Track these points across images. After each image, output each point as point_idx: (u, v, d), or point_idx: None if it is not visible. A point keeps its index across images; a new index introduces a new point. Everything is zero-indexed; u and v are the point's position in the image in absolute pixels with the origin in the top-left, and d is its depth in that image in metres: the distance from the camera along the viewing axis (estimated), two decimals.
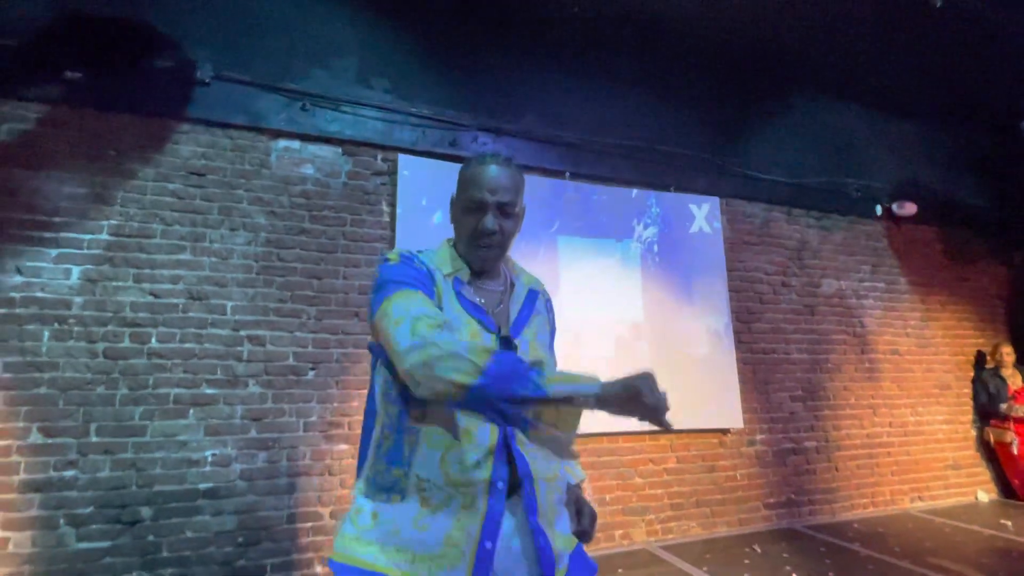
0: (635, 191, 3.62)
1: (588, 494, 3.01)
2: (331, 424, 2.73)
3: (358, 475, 1.01)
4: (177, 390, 2.52)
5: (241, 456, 2.56)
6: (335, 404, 2.75)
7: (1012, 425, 4.12)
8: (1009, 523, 3.56)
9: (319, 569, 2.56)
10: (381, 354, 0.97)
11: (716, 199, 3.82)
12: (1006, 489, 4.23)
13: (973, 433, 4.39)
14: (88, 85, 2.58)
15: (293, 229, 2.85)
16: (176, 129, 2.75)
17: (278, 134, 2.92)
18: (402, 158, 3.08)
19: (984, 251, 4.81)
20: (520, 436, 0.91)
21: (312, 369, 2.75)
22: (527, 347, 1.01)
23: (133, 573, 2.31)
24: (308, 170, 2.95)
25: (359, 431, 2.73)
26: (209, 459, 2.51)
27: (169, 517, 2.40)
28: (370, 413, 1.03)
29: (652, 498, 3.27)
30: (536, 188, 3.32)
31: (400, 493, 0.90)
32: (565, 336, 3.47)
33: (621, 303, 3.41)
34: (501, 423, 0.87)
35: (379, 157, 3.10)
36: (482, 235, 1.02)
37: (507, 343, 0.97)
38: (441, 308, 0.97)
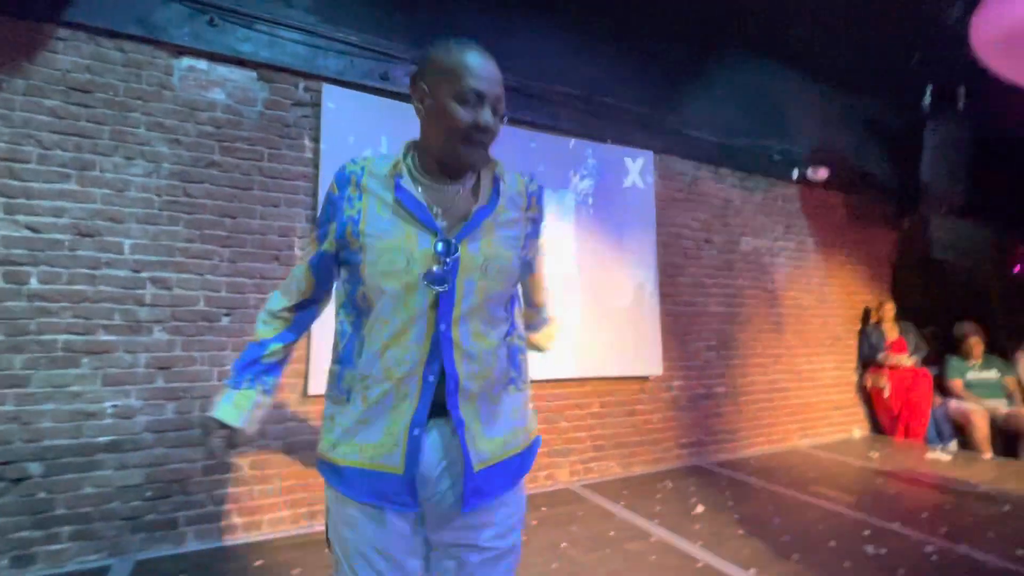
0: (573, 141, 3.57)
1: None
2: None
3: (327, 386, 1.08)
4: (66, 336, 2.26)
5: (147, 407, 2.37)
6: None
7: (886, 372, 4.68)
8: (876, 454, 4.09)
9: (237, 519, 2.48)
10: (335, 265, 1.05)
11: (650, 154, 3.87)
12: (876, 426, 4.85)
13: (855, 379, 4.95)
14: None
15: (201, 161, 2.57)
16: (52, 35, 2.33)
17: (181, 51, 2.56)
18: (327, 88, 2.83)
19: (880, 217, 5.27)
20: (455, 337, 0.95)
21: (227, 315, 2.56)
22: (477, 251, 0.96)
23: (23, 532, 2.12)
24: (218, 95, 2.64)
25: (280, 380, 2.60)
26: (109, 411, 2.30)
27: (63, 473, 2.21)
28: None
29: (576, 441, 3.44)
30: None
31: (347, 395, 0.98)
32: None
33: (556, 254, 3.43)
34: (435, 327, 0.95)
35: (300, 86, 2.82)
36: (477, 129, 0.93)
37: (448, 246, 0.93)
38: (359, 217, 0.96)
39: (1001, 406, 4.39)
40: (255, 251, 2.64)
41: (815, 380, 4.68)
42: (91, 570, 2.16)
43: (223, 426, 1.03)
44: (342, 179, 0.98)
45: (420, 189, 0.98)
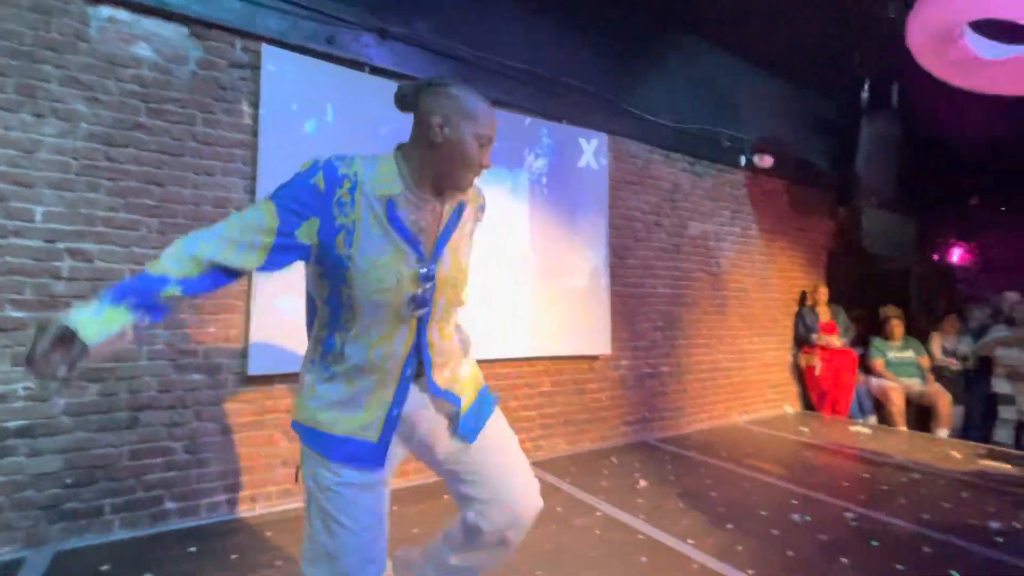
0: (528, 119, 3.52)
1: None
2: (183, 353, 2.43)
3: (306, 354, 1.23)
4: None
5: (65, 389, 2.19)
6: (187, 331, 2.45)
7: (818, 352, 4.97)
8: (806, 429, 4.37)
9: (170, 505, 2.36)
10: (307, 258, 1.10)
11: (605, 136, 3.87)
12: (807, 403, 5.17)
13: (789, 358, 5.24)
14: None
15: (125, 123, 2.36)
16: None
17: None
18: (267, 50, 2.64)
19: (819, 206, 5.53)
20: (431, 339, 1.19)
21: None
22: (448, 267, 1.18)
23: None
24: (143, 51, 2.41)
25: (217, 360, 2.48)
26: (21, 393, 2.12)
27: None
28: (310, 307, 1.27)
29: (525, 419, 3.47)
30: None
31: (332, 375, 1.13)
32: None
33: (509, 234, 3.40)
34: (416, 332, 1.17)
35: (238, 46, 2.62)
36: (481, 167, 1.16)
37: (428, 273, 1.13)
38: (354, 231, 1.07)
39: (916, 383, 4.77)
40: (188, 222, 2.47)
41: (754, 360, 4.92)
42: (3, 563, 2.00)
43: (71, 338, 0.88)
44: (333, 178, 1.06)
45: (408, 210, 1.12)
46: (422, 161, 1.12)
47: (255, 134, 2.62)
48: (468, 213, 1.25)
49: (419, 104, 1.13)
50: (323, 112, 2.77)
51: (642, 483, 2.97)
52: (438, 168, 1.13)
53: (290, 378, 2.67)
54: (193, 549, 2.13)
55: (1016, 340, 4.33)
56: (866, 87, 5.22)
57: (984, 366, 4.61)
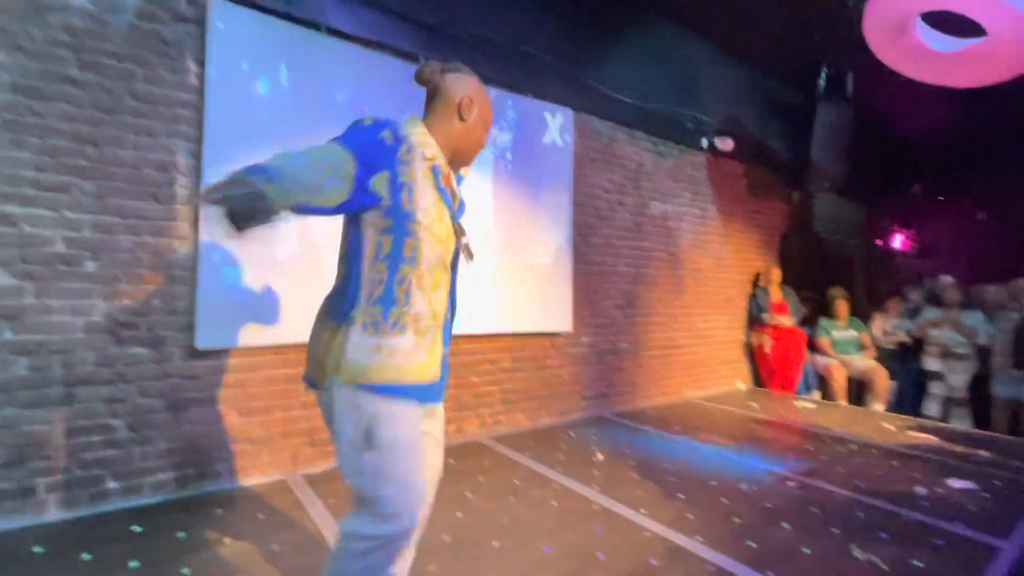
0: (493, 91, 3.45)
1: None
2: (123, 325, 2.30)
3: (342, 319, 1.21)
4: None
5: None
6: (126, 302, 2.31)
7: (768, 331, 5.18)
8: (756, 404, 4.57)
9: (111, 484, 2.25)
10: (368, 208, 1.15)
11: (570, 111, 3.84)
12: (757, 380, 5.40)
13: (742, 337, 5.43)
14: None
15: (53, 76, 2.16)
16: None
17: None
18: (215, 4, 2.46)
19: (775, 189, 5.69)
20: (456, 291, 1.35)
21: (92, 259, 2.24)
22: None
23: None
24: None
25: (162, 333, 2.35)
26: None
27: None
28: (352, 272, 1.22)
29: (486, 395, 3.48)
30: (387, 69, 2.97)
31: (401, 328, 1.19)
32: None
33: (471, 209, 3.33)
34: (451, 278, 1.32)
35: None
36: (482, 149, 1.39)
37: (462, 231, 1.31)
38: (413, 187, 1.18)
39: (858, 361, 5.05)
40: (127, 187, 2.31)
41: (708, 338, 5.08)
42: None
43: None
44: (397, 136, 1.17)
45: (441, 173, 1.26)
46: (446, 135, 1.28)
47: (201, 94, 2.46)
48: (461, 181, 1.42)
49: (446, 83, 1.29)
50: (276, 73, 2.62)
51: (599, 456, 3.04)
52: (458, 143, 1.31)
53: (242, 352, 2.57)
54: (137, 528, 2.05)
55: (947, 321, 4.62)
56: (823, 75, 5.37)
57: (917, 345, 4.91)
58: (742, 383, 5.35)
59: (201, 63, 2.46)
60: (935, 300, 4.92)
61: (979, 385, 4.48)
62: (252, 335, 2.57)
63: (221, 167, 2.38)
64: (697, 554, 1.97)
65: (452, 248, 1.28)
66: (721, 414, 4.22)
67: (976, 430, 4.23)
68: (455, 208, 1.32)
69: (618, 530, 2.15)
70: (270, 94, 2.60)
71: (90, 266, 2.23)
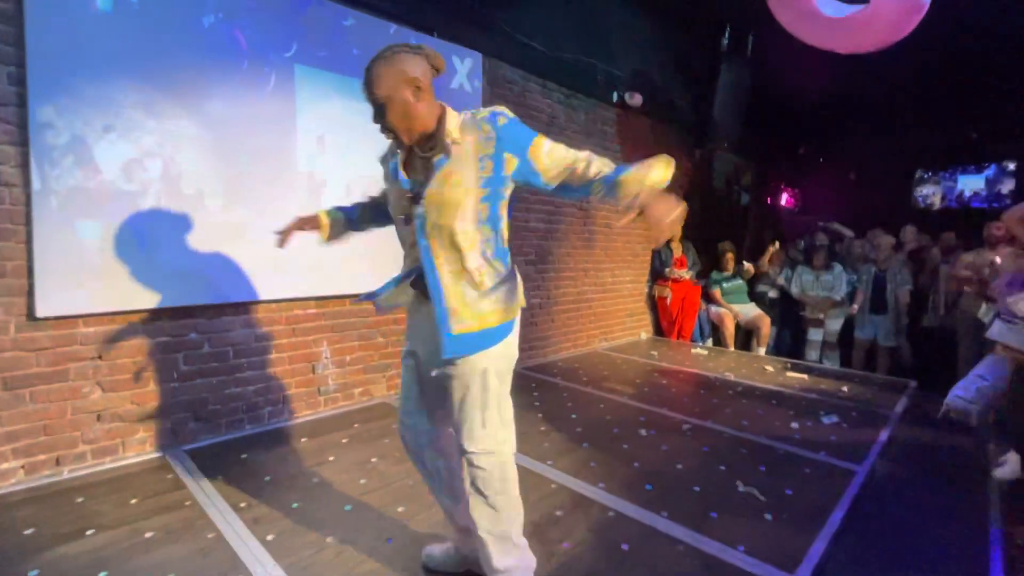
0: (394, 27, 3.14)
1: (327, 356, 2.90)
2: None
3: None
4: None
5: None
6: None
7: (670, 284, 5.45)
8: (656, 353, 4.84)
9: (14, 464, 1.90)
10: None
11: (479, 56, 3.62)
12: (658, 329, 5.72)
13: (645, 289, 5.69)
14: None
15: None
16: None
17: None
18: None
19: (679, 146, 5.87)
20: None
21: None
22: (433, 200, 1.33)
23: None
24: None
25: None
26: None
27: None
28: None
29: (393, 356, 3.34)
30: None
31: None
32: (301, 189, 3.00)
33: (368, 156, 3.08)
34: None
35: None
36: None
37: (415, 199, 1.36)
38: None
39: (746, 309, 5.49)
40: None
41: (615, 291, 5.26)
42: None
43: None
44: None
45: (399, 160, 1.44)
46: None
47: (20, 26, 1.97)
48: (457, 149, 1.35)
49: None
50: None
51: None
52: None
53: (102, 319, 2.23)
54: None
55: (812, 291, 5.18)
56: (727, 34, 5.52)
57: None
58: (645, 333, 5.65)
59: None
60: (808, 259, 5.43)
61: (848, 330, 5.08)
62: (113, 299, 2.22)
63: (55, 100, 1.96)
64: (600, 502, 2.04)
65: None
66: (625, 363, 4.42)
67: (841, 368, 4.81)
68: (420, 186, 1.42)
69: (525, 484, 2.16)
70: (115, 11, 2.15)
71: None
